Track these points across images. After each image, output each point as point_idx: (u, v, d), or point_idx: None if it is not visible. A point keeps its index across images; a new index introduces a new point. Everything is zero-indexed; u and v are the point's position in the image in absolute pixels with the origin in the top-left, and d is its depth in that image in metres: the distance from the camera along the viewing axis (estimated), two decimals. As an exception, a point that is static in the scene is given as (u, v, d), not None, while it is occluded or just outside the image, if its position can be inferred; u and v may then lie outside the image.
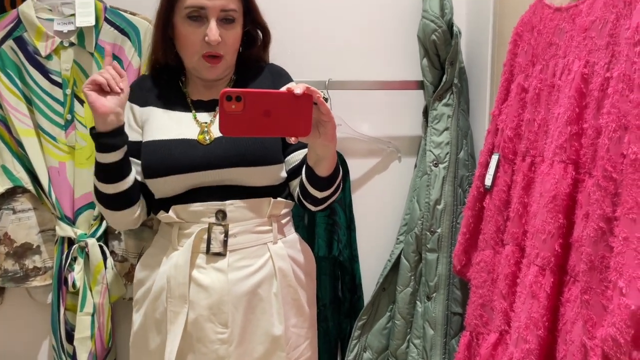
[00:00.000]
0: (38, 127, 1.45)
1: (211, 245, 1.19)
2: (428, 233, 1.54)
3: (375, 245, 1.73)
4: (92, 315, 1.48)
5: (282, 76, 1.33)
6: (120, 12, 1.45)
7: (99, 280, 1.48)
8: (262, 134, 0.99)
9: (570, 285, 1.00)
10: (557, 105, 1.06)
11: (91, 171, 1.46)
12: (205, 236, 1.19)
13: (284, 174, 1.27)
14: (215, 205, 1.19)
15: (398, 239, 1.64)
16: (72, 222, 1.47)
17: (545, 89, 1.12)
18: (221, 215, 1.19)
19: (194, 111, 1.26)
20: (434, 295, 1.53)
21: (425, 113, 1.62)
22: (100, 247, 1.49)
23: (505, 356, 1.10)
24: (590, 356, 0.87)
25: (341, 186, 1.25)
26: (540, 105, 1.13)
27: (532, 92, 1.15)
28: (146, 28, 1.44)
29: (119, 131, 1.17)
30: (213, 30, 1.16)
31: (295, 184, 1.27)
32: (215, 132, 1.21)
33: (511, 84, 1.26)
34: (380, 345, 1.63)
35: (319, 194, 1.19)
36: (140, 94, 1.28)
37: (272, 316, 1.21)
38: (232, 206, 1.20)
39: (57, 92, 1.44)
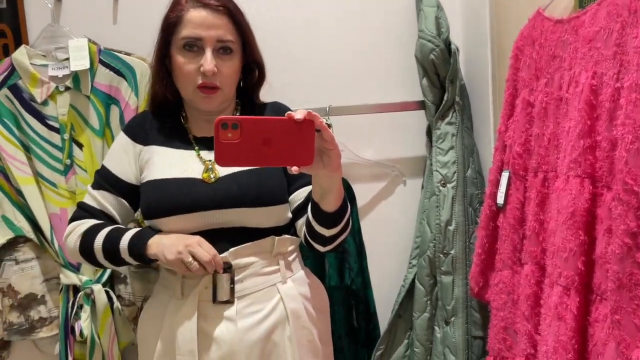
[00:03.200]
0: (37, 175, 1.42)
1: (217, 294, 1.13)
2: (441, 255, 1.50)
3: (387, 271, 1.69)
4: (102, 364, 1.44)
5: (284, 111, 1.26)
6: (115, 53, 1.44)
7: (106, 327, 1.44)
8: (261, 164, 0.92)
9: (597, 304, 0.96)
10: (566, 118, 1.03)
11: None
12: (211, 284, 1.14)
13: (289, 215, 1.23)
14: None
15: (411, 263, 1.60)
16: (76, 269, 1.44)
17: (552, 102, 1.09)
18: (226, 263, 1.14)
19: (197, 148, 1.22)
20: (452, 319, 1.48)
21: (429, 133, 1.60)
22: (107, 292, 1.45)
23: (535, 382, 1.05)
24: (627, 379, 0.82)
25: (350, 223, 1.18)
26: (549, 119, 1.10)
27: (538, 107, 1.13)
28: (142, 68, 1.43)
29: None
30: (208, 60, 1.14)
31: (301, 224, 1.21)
32: (220, 170, 1.18)
33: (515, 99, 1.23)
34: (401, 374, 1.58)
35: (326, 232, 1.13)
36: (142, 131, 1.25)
37: None
38: (235, 253, 1.15)
39: (55, 138, 1.42)
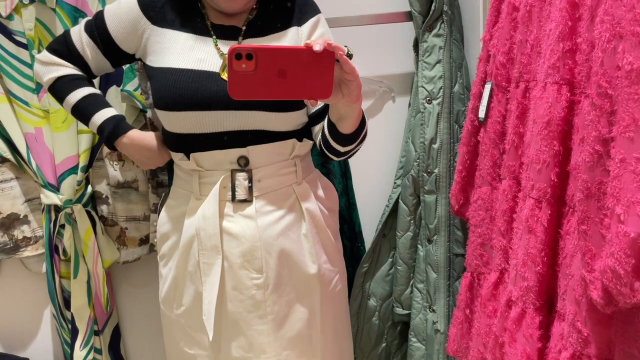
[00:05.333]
0: (9, 93, 1.39)
1: (236, 193, 1.14)
2: (425, 174, 1.47)
3: (373, 192, 1.66)
4: (87, 282, 1.46)
5: (310, 6, 1.22)
6: (80, -38, 1.35)
7: (89, 246, 1.45)
8: (276, 97, 0.88)
9: (569, 217, 0.93)
10: (549, 20, 0.96)
11: (69, 135, 1.42)
12: (229, 184, 1.15)
13: (306, 119, 1.20)
14: (236, 151, 1.14)
15: (395, 182, 1.57)
16: (56, 189, 1.43)
17: (536, 4, 1.01)
18: (243, 161, 1.14)
19: (214, 37, 1.15)
20: (435, 237, 1.47)
21: (416, 46, 1.52)
22: (88, 212, 1.45)
23: (505, 295, 1.05)
24: (590, 290, 0.80)
25: (366, 136, 1.16)
26: (532, 24, 1.03)
27: (523, 10, 1.05)
28: (109, -23, 1.35)
29: None
30: None
31: (317, 131, 1.18)
32: None
33: (502, 4, 1.15)
34: (384, 291, 1.59)
35: (341, 149, 1.13)
36: (155, 7, 1.16)
37: (304, 257, 1.19)
38: (254, 151, 1.14)
39: (24, 54, 1.37)
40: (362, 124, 1.10)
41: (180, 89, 1.10)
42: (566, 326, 0.90)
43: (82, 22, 1.21)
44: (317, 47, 0.84)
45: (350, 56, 1.00)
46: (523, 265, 0.97)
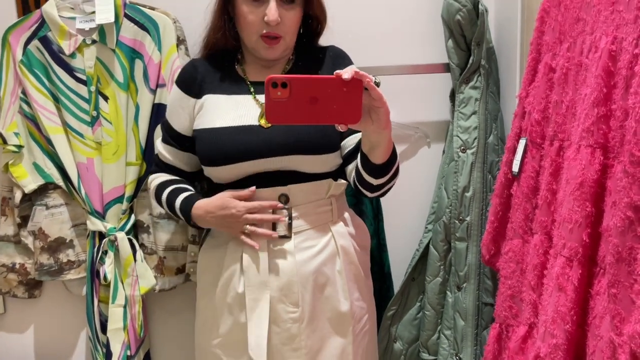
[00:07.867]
0: (65, 125, 1.48)
1: (277, 229, 1.21)
2: (457, 221, 1.49)
3: (404, 235, 1.69)
4: (124, 307, 1.52)
5: (343, 58, 1.31)
6: (140, 7, 1.45)
7: (129, 272, 1.51)
8: (309, 122, 0.94)
9: (600, 277, 0.94)
10: (584, 85, 0.99)
11: (118, 166, 1.50)
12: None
13: (340, 160, 1.27)
14: (278, 190, 1.21)
15: (427, 227, 1.59)
16: (102, 217, 1.51)
17: (572, 68, 1.05)
18: (284, 199, 1.21)
19: (253, 91, 1.25)
20: (464, 285, 1.48)
21: (452, 97, 1.56)
22: (130, 240, 1.52)
23: (533, 351, 1.05)
24: (618, 353, 0.81)
25: (398, 172, 1.20)
26: (568, 86, 1.06)
27: (559, 72, 1.09)
28: (165, 22, 1.45)
29: None
30: (272, 10, 1.16)
31: (350, 170, 1.24)
32: None
33: (538, 64, 1.19)
34: (411, 335, 1.60)
35: (374, 181, 1.16)
36: (194, 83, 1.27)
37: (338, 293, 1.23)
38: (294, 190, 1.21)
39: (82, 90, 1.47)
40: (394, 156, 1.14)
41: (221, 146, 1.20)
42: (594, 387, 0.90)
43: (159, 138, 1.36)
44: (346, 76, 0.89)
45: (377, 84, 1.06)
46: (552, 322, 0.98)
